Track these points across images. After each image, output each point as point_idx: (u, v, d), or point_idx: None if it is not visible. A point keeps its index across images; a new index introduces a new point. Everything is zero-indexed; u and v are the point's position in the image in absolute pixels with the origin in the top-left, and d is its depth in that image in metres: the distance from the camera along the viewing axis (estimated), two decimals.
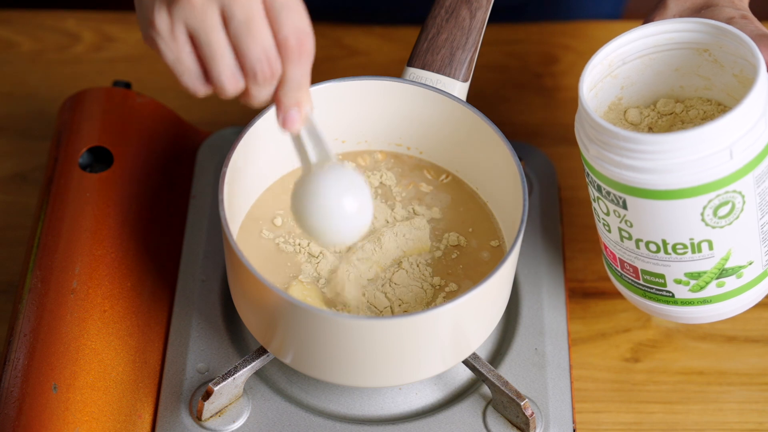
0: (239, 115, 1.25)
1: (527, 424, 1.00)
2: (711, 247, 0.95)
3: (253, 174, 1.04)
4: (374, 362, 0.96)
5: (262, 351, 1.00)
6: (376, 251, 1.02)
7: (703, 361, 1.11)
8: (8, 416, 0.97)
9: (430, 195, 1.07)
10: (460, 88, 1.04)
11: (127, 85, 1.18)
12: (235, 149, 0.99)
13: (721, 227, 0.94)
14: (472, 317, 0.97)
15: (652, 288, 1.00)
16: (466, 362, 1.02)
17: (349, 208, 0.91)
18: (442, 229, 1.05)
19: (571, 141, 1.19)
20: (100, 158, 1.12)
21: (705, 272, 0.97)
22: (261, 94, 0.88)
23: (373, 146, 1.09)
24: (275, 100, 0.89)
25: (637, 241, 0.97)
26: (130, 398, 1.01)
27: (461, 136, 1.05)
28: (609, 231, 0.99)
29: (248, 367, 1.00)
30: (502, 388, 1.00)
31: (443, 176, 1.08)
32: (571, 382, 1.05)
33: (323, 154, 0.92)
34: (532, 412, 1.00)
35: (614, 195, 0.95)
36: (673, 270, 0.97)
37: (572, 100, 1.27)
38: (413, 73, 1.04)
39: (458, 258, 1.03)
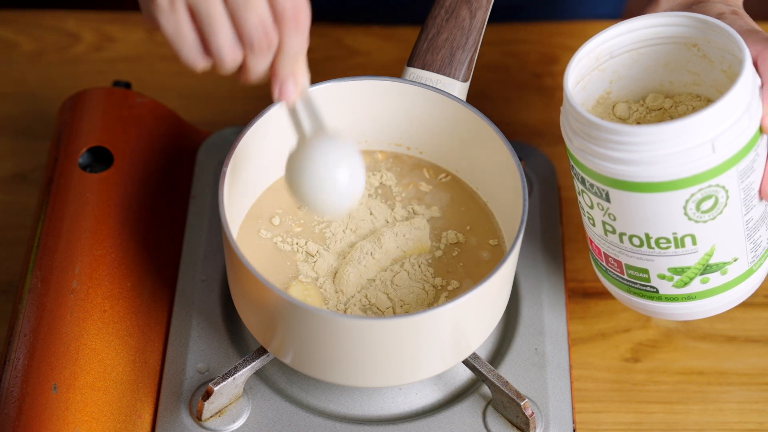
0: (239, 115, 1.25)
1: (527, 424, 1.00)
2: (694, 242, 0.95)
3: (253, 174, 1.04)
4: (374, 362, 0.96)
5: (262, 351, 1.00)
6: (376, 251, 1.02)
7: (703, 361, 1.11)
8: (8, 416, 0.97)
9: (430, 195, 1.07)
10: (460, 88, 1.04)
11: (127, 85, 1.18)
12: (235, 149, 0.99)
13: (705, 222, 0.94)
14: (472, 317, 0.96)
15: (636, 283, 1.00)
16: (466, 362, 1.02)
17: (341, 179, 0.91)
18: (441, 228, 1.05)
19: None
20: (100, 158, 1.12)
21: (689, 268, 0.97)
22: (258, 65, 0.89)
23: (373, 146, 1.09)
24: (272, 71, 0.90)
25: (621, 234, 0.97)
26: (130, 398, 1.01)
27: (461, 136, 1.05)
28: (593, 225, 0.99)
29: (248, 367, 1.00)
30: (502, 388, 1.00)
31: (442, 175, 1.08)
32: (571, 382, 1.05)
33: (318, 126, 0.93)
34: (532, 412, 1.00)
35: (597, 188, 0.95)
36: (657, 265, 0.97)
37: None
38: (413, 73, 1.04)
39: (459, 256, 1.03)
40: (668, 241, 0.95)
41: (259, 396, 1.03)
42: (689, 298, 0.98)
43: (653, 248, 0.96)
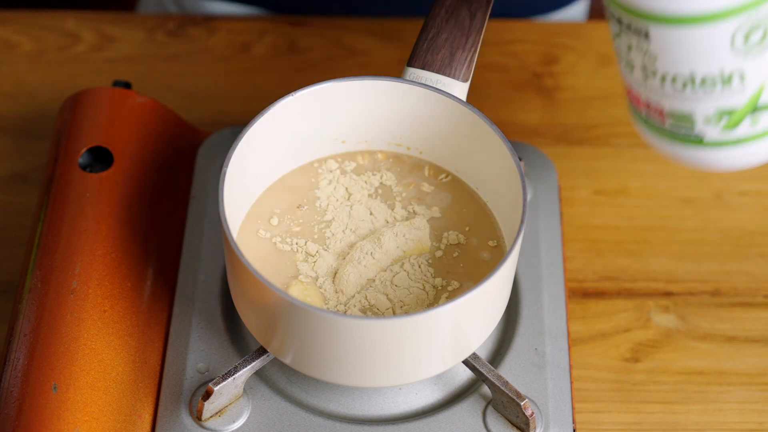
0: (239, 115, 1.25)
1: (527, 424, 1.00)
2: (742, 80, 0.90)
3: (253, 174, 1.04)
4: (374, 362, 0.96)
5: (262, 351, 1.00)
6: (376, 251, 1.02)
7: (703, 361, 1.11)
8: (8, 416, 0.97)
9: (430, 195, 1.07)
10: (460, 88, 1.04)
11: (127, 85, 1.18)
12: (235, 149, 0.99)
13: (753, 56, 0.89)
14: (472, 317, 0.97)
15: (680, 131, 0.94)
16: (466, 362, 1.02)
17: None
18: (442, 228, 1.05)
19: (570, 141, 1.19)
20: (100, 158, 1.12)
21: (737, 109, 0.92)
22: None
23: (373, 146, 1.09)
24: None
25: (663, 76, 0.92)
26: (130, 398, 1.01)
27: (461, 136, 1.05)
28: (632, 70, 0.94)
29: (248, 367, 1.00)
30: (502, 388, 1.00)
31: (443, 175, 1.08)
32: (571, 382, 1.05)
33: None
34: (532, 412, 1.00)
35: (636, 26, 0.90)
36: (702, 107, 0.92)
37: (572, 100, 1.27)
38: (413, 73, 1.04)
39: (459, 257, 1.03)
40: (714, 79, 0.90)
41: (259, 396, 1.03)
42: (738, 142, 0.93)
43: (697, 89, 0.91)
